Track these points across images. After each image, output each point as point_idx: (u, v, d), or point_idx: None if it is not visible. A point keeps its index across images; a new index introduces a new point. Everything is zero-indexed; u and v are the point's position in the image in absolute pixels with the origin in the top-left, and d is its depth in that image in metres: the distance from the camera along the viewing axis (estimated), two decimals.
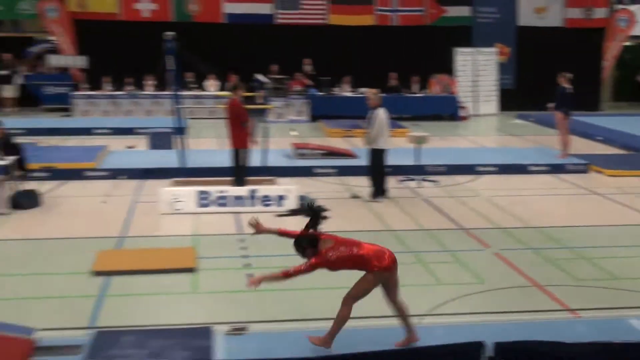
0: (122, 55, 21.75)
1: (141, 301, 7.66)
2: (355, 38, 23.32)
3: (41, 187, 12.18)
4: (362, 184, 12.56)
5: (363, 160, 12.88)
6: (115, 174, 13.58)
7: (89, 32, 22.46)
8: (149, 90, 22.22)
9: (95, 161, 14.04)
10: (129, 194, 12.43)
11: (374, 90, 12.48)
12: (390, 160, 12.36)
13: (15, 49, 23.02)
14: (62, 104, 22.20)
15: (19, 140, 12.85)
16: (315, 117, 21.42)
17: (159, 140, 16.14)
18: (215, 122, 19.05)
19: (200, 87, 22.47)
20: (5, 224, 10.52)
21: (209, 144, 16.77)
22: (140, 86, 22.31)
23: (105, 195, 12.23)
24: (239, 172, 11.89)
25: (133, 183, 13.13)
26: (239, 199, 11.27)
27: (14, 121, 18.12)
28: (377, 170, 12.17)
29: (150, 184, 12.80)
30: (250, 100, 13.92)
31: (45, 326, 6.58)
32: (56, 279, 8.32)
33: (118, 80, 22.20)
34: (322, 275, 8.57)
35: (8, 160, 11.25)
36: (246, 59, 21.03)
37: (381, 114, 11.92)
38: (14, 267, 8.70)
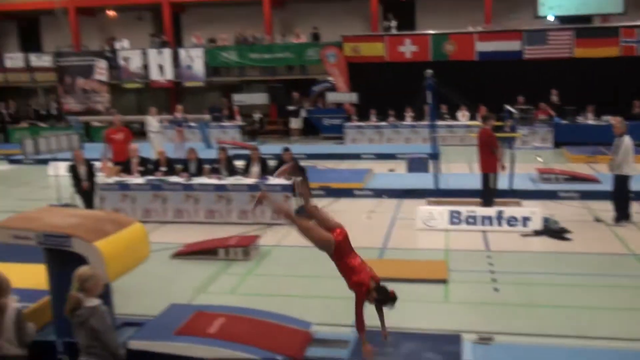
0: (386, 91, 22.31)
1: (398, 306, 7.65)
2: (599, 68, 21.65)
3: (319, 202, 12.75)
4: (605, 208, 11.53)
5: (606, 185, 11.86)
6: (379, 193, 13.83)
7: (360, 73, 23.33)
8: (408, 120, 22.44)
9: (362, 182, 14.38)
10: (390, 210, 12.58)
11: (619, 118, 11.47)
12: (635, 185, 11.26)
13: (301, 88, 24.54)
14: (336, 134, 23.26)
15: (303, 163, 13.60)
16: (558, 144, 20.21)
17: (416, 165, 16.20)
18: (465, 149, 18.75)
19: (453, 117, 22.27)
20: (290, 233, 11.14)
21: (460, 168, 16.50)
22: (400, 117, 22.62)
23: (370, 212, 12.51)
24: (488, 194, 11.54)
25: (393, 201, 13.28)
26: (487, 218, 10.90)
27: (298, 147, 19.28)
28: (622, 196, 11.13)
29: (408, 202, 12.87)
30: (499, 129, 13.49)
31: (319, 321, 6.84)
32: (328, 281, 8.60)
33: (382, 112, 22.71)
34: (570, 294, 7.97)
35: (294, 180, 11.95)
36: (495, 91, 20.42)
37: (626, 141, 10.92)
38: (295, 270, 9.19)
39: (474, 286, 8.27)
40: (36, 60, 27.30)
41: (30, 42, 30.27)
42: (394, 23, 24.96)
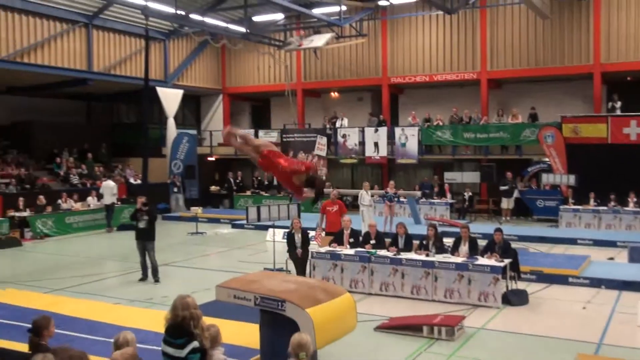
0: (607, 174, 20.92)
1: None
2: None
3: (529, 287, 12.16)
4: None
5: None
6: (596, 282, 12.77)
7: (579, 154, 22.14)
8: (632, 206, 20.69)
9: (578, 269, 13.42)
10: (608, 303, 11.55)
11: None
12: None
13: (515, 168, 23.88)
14: (550, 216, 22.19)
15: (514, 245, 13.08)
16: None
17: (639, 255, 14.82)
18: None
19: None
20: (497, 316, 10.70)
21: None
22: (623, 202, 20.94)
23: (586, 302, 11.60)
24: None
25: (612, 293, 12.19)
26: None
27: (509, 228, 18.61)
28: None
29: (629, 295, 11.75)
30: None
31: None
32: None
33: (602, 196, 21.23)
34: None
35: (505, 262, 11.53)
36: None
37: None
38: (501, 356, 8.72)
39: None
40: (264, 135, 29.64)
41: (261, 120, 33.21)
42: (618, 104, 23.55)
